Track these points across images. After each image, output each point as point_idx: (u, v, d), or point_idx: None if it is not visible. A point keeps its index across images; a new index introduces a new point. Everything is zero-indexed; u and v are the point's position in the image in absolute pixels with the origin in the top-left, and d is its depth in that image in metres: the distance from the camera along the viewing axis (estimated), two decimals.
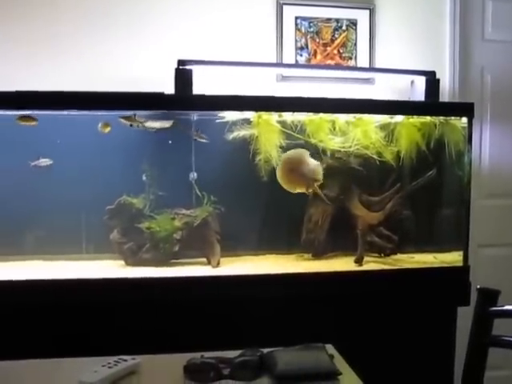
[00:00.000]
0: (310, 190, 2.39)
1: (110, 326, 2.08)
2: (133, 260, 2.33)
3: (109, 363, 1.28)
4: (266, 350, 1.38)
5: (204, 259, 2.37)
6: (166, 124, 2.24)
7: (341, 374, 1.29)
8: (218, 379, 1.26)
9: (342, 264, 2.41)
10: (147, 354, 1.38)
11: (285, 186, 2.35)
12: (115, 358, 1.31)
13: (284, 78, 2.76)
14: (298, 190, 2.38)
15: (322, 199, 2.43)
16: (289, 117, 2.33)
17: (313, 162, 2.40)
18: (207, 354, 1.35)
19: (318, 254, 2.47)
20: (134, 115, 2.21)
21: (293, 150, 2.36)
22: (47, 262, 2.31)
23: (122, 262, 2.35)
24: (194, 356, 1.33)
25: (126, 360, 1.30)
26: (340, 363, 1.36)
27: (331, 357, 1.36)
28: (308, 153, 2.38)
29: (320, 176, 2.39)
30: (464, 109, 2.42)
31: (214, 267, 2.31)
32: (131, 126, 2.22)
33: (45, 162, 2.24)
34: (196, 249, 2.39)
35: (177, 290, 2.14)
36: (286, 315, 2.17)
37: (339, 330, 2.00)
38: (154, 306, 2.10)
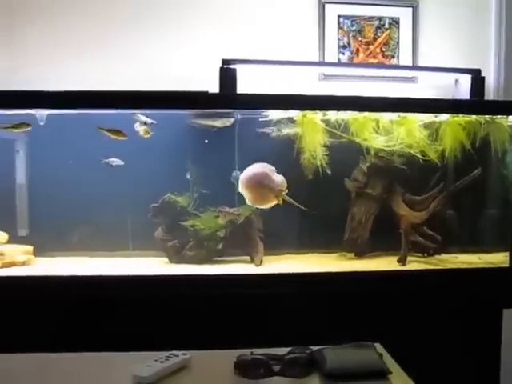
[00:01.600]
0: (280, 201, 2.32)
1: (154, 322, 2.10)
2: (177, 257, 2.36)
3: (161, 358, 1.30)
4: (315, 348, 1.38)
5: (247, 257, 2.39)
6: (227, 122, 2.26)
7: (391, 373, 1.28)
8: (268, 376, 1.27)
9: (385, 263, 2.40)
10: (192, 350, 1.39)
11: (253, 203, 2.32)
12: (166, 353, 1.33)
13: (326, 77, 2.76)
14: (269, 204, 2.33)
15: (367, 198, 2.43)
16: (333, 116, 2.32)
17: (275, 175, 2.32)
18: (256, 351, 1.36)
19: (360, 253, 2.46)
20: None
21: (252, 166, 2.32)
22: (93, 259, 2.37)
23: (166, 259, 2.38)
24: (243, 352, 1.34)
25: (177, 355, 1.32)
26: (389, 362, 1.35)
27: (380, 356, 1.36)
28: (268, 166, 2.32)
29: (284, 185, 2.31)
30: (510, 107, 2.39)
31: (257, 265, 2.32)
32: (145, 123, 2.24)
33: (116, 162, 2.28)
34: (239, 247, 2.41)
35: (220, 288, 2.15)
36: (328, 314, 2.16)
37: (383, 329, 1.98)
38: (196, 303, 2.12)
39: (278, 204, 2.32)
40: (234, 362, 1.31)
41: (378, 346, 1.44)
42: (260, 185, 2.29)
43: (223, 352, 1.41)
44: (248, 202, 2.31)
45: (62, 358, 1.40)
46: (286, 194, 2.30)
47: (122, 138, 2.21)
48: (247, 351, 1.36)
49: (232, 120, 2.32)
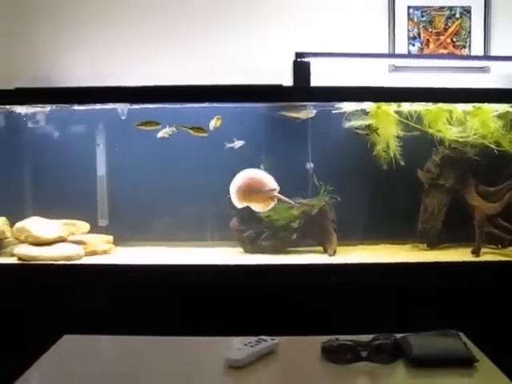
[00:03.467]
0: (275, 201, 2.35)
1: (228, 310, 2.15)
2: (251, 247, 2.42)
3: (250, 342, 1.34)
4: (398, 335, 1.40)
5: (320, 248, 2.42)
6: (310, 114, 2.31)
7: (478, 361, 1.29)
8: (355, 361, 1.30)
9: (458, 255, 2.39)
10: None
11: (252, 207, 2.35)
12: (255, 338, 1.37)
13: (396, 69, 2.75)
14: (267, 207, 2.35)
15: (440, 189, 2.43)
16: (406, 107, 2.33)
17: (262, 176, 2.35)
18: (341, 337, 1.39)
19: (433, 245, 2.46)
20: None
21: (240, 174, 2.34)
22: (171, 249, 2.46)
23: (241, 250, 2.44)
24: (329, 338, 1.37)
25: (265, 340, 1.36)
26: (474, 351, 1.35)
27: (465, 344, 1.37)
28: (255, 170, 2.36)
29: (274, 184, 2.34)
30: None
31: (330, 256, 2.35)
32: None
33: (238, 143, 2.36)
34: (313, 237, 2.45)
35: (295, 278, 2.19)
36: (402, 303, 2.17)
37: (457, 320, 1.98)
38: (270, 292, 2.16)
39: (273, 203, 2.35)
40: (321, 347, 1.34)
41: (461, 334, 1.45)
42: (252, 191, 2.33)
43: (308, 338, 1.44)
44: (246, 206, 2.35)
45: (154, 341, 1.46)
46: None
47: (202, 135, 2.27)
48: (332, 337, 1.38)
49: (314, 112, 2.35)
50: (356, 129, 2.30)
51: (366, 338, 1.38)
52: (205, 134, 2.28)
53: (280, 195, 2.34)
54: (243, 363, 1.27)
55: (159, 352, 1.40)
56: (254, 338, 1.37)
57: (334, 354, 1.32)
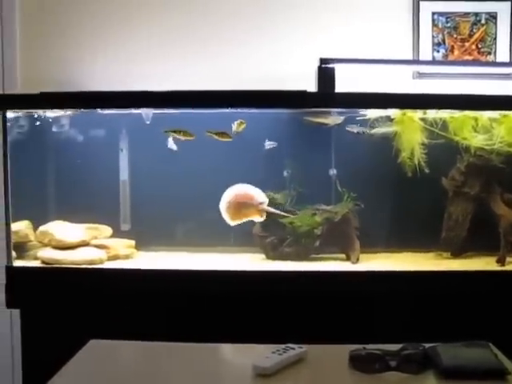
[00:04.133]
0: (264, 215, 2.37)
1: (250, 317, 2.14)
2: (274, 254, 2.40)
3: (278, 350, 1.33)
4: (427, 345, 1.38)
5: (343, 255, 2.41)
6: (337, 120, 2.30)
7: (510, 373, 1.26)
8: (384, 370, 1.28)
9: (483, 264, 2.36)
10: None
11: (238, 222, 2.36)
12: (283, 345, 1.36)
13: (420, 75, 2.74)
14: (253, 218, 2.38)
15: (465, 197, 2.40)
16: (430, 114, 2.31)
17: (252, 190, 2.37)
18: (368, 347, 1.38)
19: (457, 253, 2.43)
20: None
21: (228, 190, 2.35)
22: (193, 254, 2.45)
23: (263, 256, 2.43)
24: (357, 347, 1.36)
25: (293, 348, 1.35)
26: (505, 362, 1.33)
27: (495, 355, 1.35)
28: (243, 185, 2.36)
29: (263, 197, 2.36)
30: None
31: (353, 263, 2.33)
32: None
33: (271, 144, 2.37)
34: (336, 244, 2.43)
35: (317, 285, 2.18)
36: (425, 312, 2.15)
37: (481, 330, 1.96)
38: (292, 299, 2.15)
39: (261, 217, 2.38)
40: (349, 356, 1.33)
41: (491, 345, 1.42)
42: (241, 206, 2.34)
43: (335, 346, 1.43)
44: (235, 222, 2.36)
45: (180, 347, 1.46)
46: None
47: (226, 140, 2.28)
48: (360, 346, 1.37)
49: (342, 118, 2.34)
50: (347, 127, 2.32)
51: (393, 347, 1.37)
52: (229, 139, 2.28)
53: (269, 208, 2.36)
54: (271, 371, 1.26)
55: (185, 358, 1.39)
56: (281, 346, 1.36)
57: (362, 363, 1.31)
